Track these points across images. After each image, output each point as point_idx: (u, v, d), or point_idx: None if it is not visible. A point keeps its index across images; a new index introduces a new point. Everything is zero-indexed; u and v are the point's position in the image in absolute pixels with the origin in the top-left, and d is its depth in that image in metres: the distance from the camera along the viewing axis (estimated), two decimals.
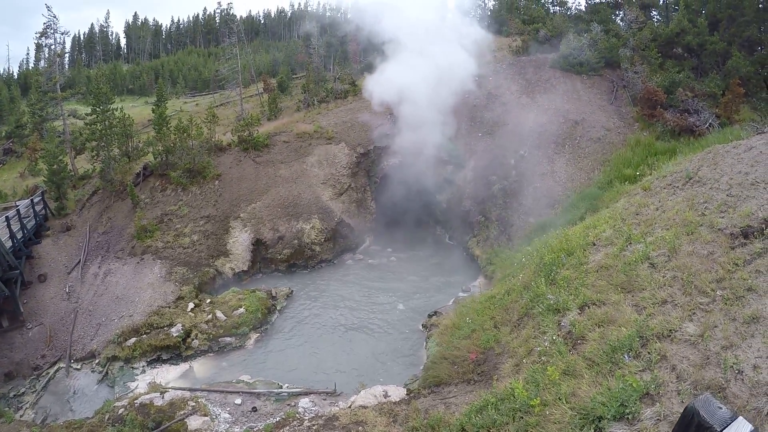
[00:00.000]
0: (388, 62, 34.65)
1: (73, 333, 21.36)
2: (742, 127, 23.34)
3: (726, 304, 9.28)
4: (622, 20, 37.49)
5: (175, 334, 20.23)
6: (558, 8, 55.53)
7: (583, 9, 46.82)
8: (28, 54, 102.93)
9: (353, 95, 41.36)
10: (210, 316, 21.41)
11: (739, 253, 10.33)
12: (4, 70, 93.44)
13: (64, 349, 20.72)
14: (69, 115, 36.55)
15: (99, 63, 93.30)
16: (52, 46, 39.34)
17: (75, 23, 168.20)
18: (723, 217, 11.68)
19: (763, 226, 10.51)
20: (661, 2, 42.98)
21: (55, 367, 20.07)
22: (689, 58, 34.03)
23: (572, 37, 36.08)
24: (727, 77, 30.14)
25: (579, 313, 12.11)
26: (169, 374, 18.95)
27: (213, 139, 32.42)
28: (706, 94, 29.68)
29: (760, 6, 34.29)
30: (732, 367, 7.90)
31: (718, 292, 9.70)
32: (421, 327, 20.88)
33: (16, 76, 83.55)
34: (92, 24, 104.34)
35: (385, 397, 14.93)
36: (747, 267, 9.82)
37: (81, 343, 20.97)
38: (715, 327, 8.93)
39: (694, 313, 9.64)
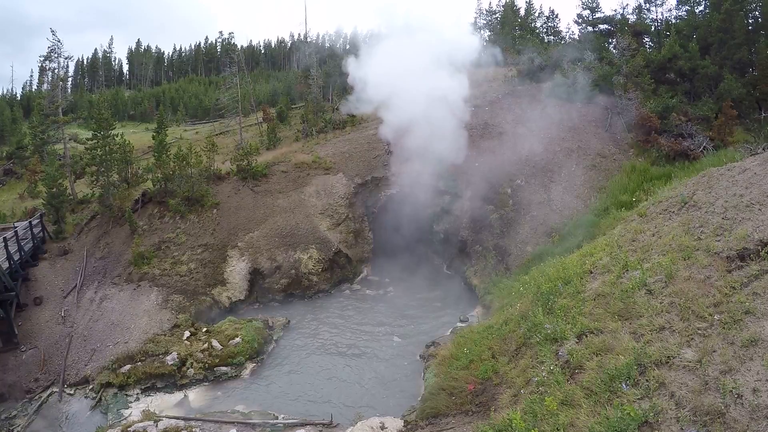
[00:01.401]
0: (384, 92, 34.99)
1: (67, 357, 21.15)
2: (736, 149, 23.54)
3: (724, 328, 9.21)
4: (614, 48, 38.10)
5: (170, 363, 20.00)
6: (552, 38, 56.67)
7: (577, 38, 47.69)
8: (31, 76, 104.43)
9: (351, 126, 41.67)
10: (206, 345, 21.17)
11: (736, 276, 10.29)
12: (7, 90, 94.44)
13: (57, 373, 20.52)
14: (70, 139, 36.59)
15: (101, 88, 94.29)
16: (56, 70, 39.98)
17: (76, 46, 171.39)
18: (719, 241, 11.66)
19: (759, 247, 10.49)
20: (653, 29, 43.83)
21: (48, 391, 19.84)
22: (682, 83, 34.49)
23: (566, 65, 36.56)
24: (720, 100, 30.52)
25: (577, 342, 12.00)
26: (163, 403, 18.70)
27: (212, 168, 32.50)
28: (700, 118, 30.01)
29: (750, 28, 34.91)
30: (731, 391, 7.80)
31: (715, 317, 9.63)
32: (418, 357, 20.59)
33: (19, 98, 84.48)
34: (96, 49, 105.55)
35: (382, 429, 14.67)
36: (744, 290, 9.77)
37: (75, 368, 20.76)
38: (714, 352, 8.84)
39: (692, 339, 9.56)
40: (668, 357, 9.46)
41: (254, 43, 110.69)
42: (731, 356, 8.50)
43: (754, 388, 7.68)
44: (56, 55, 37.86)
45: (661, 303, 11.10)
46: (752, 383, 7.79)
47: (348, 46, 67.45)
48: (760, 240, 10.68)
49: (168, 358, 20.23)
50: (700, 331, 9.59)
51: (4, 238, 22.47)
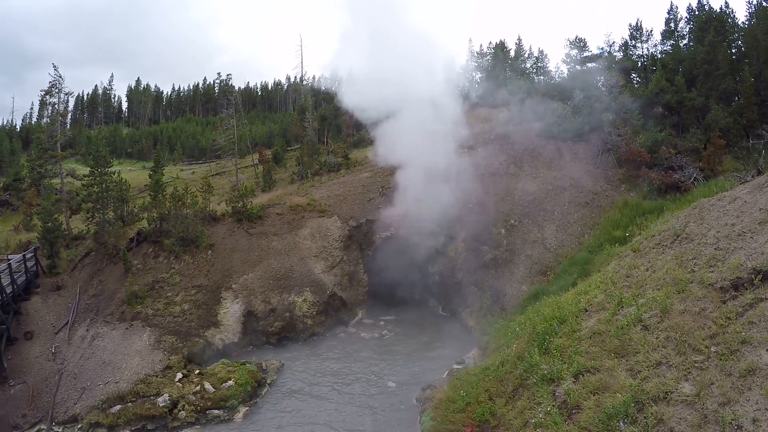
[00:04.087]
0: (379, 135, 35.42)
1: (56, 395, 20.77)
2: (726, 177, 23.74)
3: (721, 359, 9.11)
4: (603, 85, 38.78)
5: (161, 404, 19.67)
6: (542, 77, 57.96)
7: (566, 77, 48.62)
8: (32, 108, 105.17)
9: (346, 168, 42.04)
10: (198, 388, 20.83)
11: (731, 306, 10.24)
12: (7, 121, 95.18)
13: (46, 410, 20.15)
14: (67, 175, 36.64)
15: (100, 124, 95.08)
16: (56, 105, 40.28)
17: (74, 81, 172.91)
18: (713, 272, 11.63)
19: (753, 276, 10.45)
20: (639, 64, 44.81)
21: (36, 428, 19.51)
22: (670, 116, 35.08)
23: (556, 105, 37.14)
24: (708, 130, 30.97)
25: (573, 382, 11.88)
26: None
27: (207, 209, 32.52)
28: (689, 150, 30.40)
29: (734, 58, 35.73)
30: (731, 423, 7.69)
31: (712, 349, 9.54)
32: (414, 401, 20.20)
33: (18, 129, 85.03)
34: (96, 86, 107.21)
35: None
36: (740, 319, 9.71)
37: (64, 405, 20.38)
38: (712, 384, 8.72)
39: (689, 372, 9.45)
40: (666, 392, 9.33)
41: (251, 85, 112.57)
42: (729, 387, 8.40)
43: (754, 418, 7.57)
44: (57, 90, 38.31)
45: (657, 338, 11.02)
46: (752, 413, 7.68)
47: (343, 90, 68.31)
48: (753, 268, 10.65)
49: (159, 399, 19.92)
50: (697, 364, 9.48)
51: None
